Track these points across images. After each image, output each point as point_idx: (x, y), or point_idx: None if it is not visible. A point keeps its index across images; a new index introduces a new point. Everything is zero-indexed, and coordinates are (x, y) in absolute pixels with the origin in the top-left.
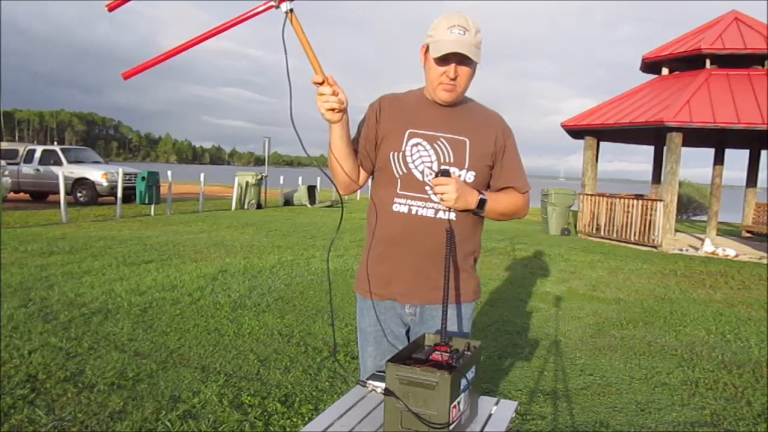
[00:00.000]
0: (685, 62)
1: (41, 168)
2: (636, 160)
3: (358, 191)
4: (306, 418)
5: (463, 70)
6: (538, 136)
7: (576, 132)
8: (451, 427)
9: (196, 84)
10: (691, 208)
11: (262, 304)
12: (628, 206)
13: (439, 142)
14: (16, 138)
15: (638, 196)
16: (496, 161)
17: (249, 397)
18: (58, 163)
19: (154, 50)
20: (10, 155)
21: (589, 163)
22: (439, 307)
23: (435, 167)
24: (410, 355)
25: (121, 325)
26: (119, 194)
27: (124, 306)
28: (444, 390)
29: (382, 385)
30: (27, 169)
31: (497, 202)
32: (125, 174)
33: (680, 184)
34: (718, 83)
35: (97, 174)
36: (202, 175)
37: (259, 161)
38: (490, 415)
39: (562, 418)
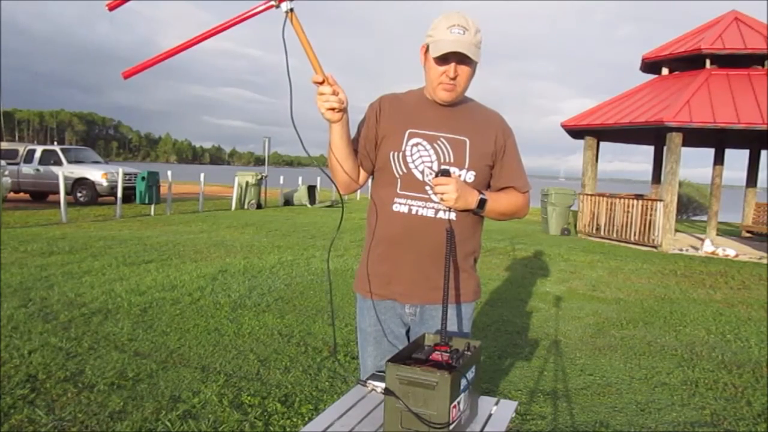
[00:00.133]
0: (685, 62)
1: (41, 168)
2: (636, 160)
3: (358, 191)
4: (306, 418)
5: (463, 70)
6: (538, 136)
7: (576, 132)
8: (451, 427)
9: (196, 84)
10: (691, 208)
11: (262, 304)
12: (628, 206)
13: (439, 142)
14: (16, 138)
15: (638, 196)
16: (496, 161)
17: (249, 397)
18: (58, 163)
19: (154, 50)
20: (10, 155)
21: (589, 163)
22: (439, 307)
23: (435, 167)
24: (410, 355)
25: (121, 325)
26: (119, 194)
27: (124, 306)
28: (444, 390)
29: (382, 384)
30: (27, 169)
31: (497, 201)
32: (125, 174)
33: (680, 184)
34: (718, 83)
35: (97, 174)
36: (202, 175)
37: (259, 161)
38: (490, 415)
39: (562, 418)
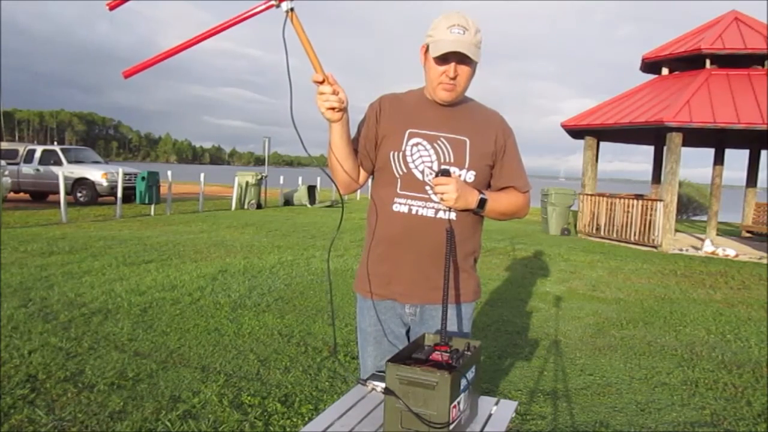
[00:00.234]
0: (685, 62)
1: (41, 168)
2: (636, 160)
3: (358, 191)
4: (306, 418)
5: (463, 70)
6: (538, 136)
7: (576, 132)
8: (451, 427)
9: (196, 84)
10: (691, 208)
11: (262, 304)
12: (628, 206)
13: (439, 142)
14: (16, 138)
15: (638, 196)
16: (496, 161)
17: (249, 397)
18: (58, 163)
19: (154, 50)
20: (10, 155)
21: (589, 163)
22: (439, 307)
23: (435, 167)
24: (410, 355)
25: (121, 325)
26: (119, 194)
27: (124, 306)
28: (444, 390)
29: (383, 384)
30: (27, 169)
31: (498, 201)
32: (125, 174)
33: (680, 184)
34: (718, 83)
35: (97, 174)
36: (202, 175)
37: (259, 161)
38: (490, 415)
39: (562, 418)
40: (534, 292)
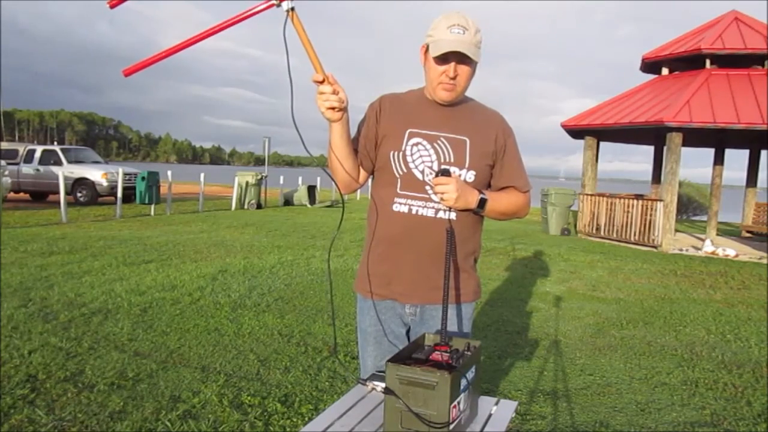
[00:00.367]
0: (685, 62)
1: (41, 168)
2: (636, 160)
3: (358, 191)
4: (306, 418)
5: (463, 70)
6: (538, 136)
7: (576, 132)
8: (451, 427)
9: (196, 84)
10: (691, 208)
11: (262, 304)
12: (628, 206)
13: (439, 142)
14: (16, 138)
15: (638, 196)
16: (496, 160)
17: (249, 397)
18: (58, 163)
19: (154, 50)
20: (10, 155)
21: (589, 163)
22: (439, 307)
23: (435, 167)
24: (410, 355)
25: (121, 325)
26: (119, 194)
27: (124, 306)
28: (444, 390)
29: (383, 384)
30: (27, 169)
31: (498, 201)
32: (125, 174)
33: (680, 184)
34: (718, 83)
35: (97, 174)
36: (202, 175)
37: (259, 161)
38: (490, 415)
39: (562, 418)
40: (534, 292)
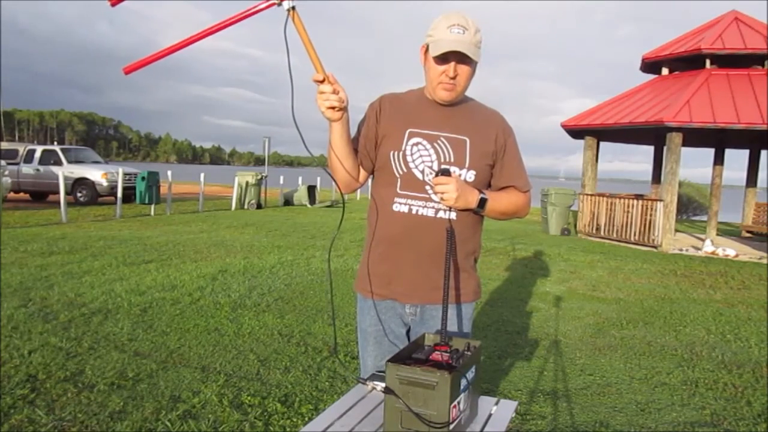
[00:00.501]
0: (685, 62)
1: (41, 168)
2: (636, 160)
3: (359, 191)
4: (306, 418)
5: (463, 69)
6: (538, 136)
7: (576, 132)
8: (451, 427)
9: (196, 84)
10: (691, 208)
11: (262, 304)
12: (628, 206)
13: (439, 142)
14: (16, 138)
15: (638, 196)
16: (496, 160)
17: (249, 397)
18: (58, 163)
19: (154, 50)
20: (10, 155)
21: (589, 163)
22: (439, 307)
23: (435, 166)
24: (410, 355)
25: (121, 325)
26: (119, 194)
27: (124, 306)
28: (444, 390)
29: (383, 384)
30: (27, 169)
31: (498, 201)
32: (125, 174)
33: (680, 184)
34: (718, 83)
35: (97, 174)
36: (202, 175)
37: (259, 161)
38: (490, 415)
39: (562, 418)
40: (534, 292)
